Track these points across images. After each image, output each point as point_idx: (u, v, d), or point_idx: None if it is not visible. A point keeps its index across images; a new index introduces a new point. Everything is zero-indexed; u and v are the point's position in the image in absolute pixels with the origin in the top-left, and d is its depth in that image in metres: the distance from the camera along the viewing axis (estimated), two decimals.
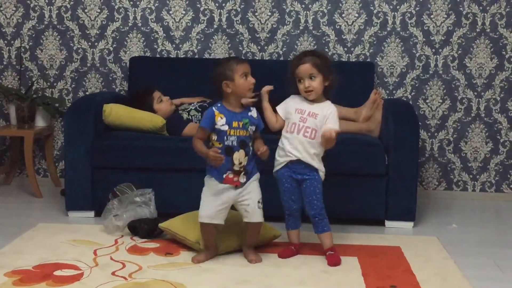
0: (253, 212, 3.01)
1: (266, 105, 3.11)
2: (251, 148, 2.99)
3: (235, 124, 2.94)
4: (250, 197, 3.00)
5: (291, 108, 3.09)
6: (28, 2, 4.55)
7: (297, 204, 3.12)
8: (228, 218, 3.09)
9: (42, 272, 2.84)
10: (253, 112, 3.02)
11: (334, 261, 3.03)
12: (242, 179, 2.98)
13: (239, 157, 2.94)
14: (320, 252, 3.13)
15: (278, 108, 3.12)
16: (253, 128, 2.99)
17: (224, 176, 2.95)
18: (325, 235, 3.10)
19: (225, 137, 2.94)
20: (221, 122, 2.93)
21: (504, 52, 4.44)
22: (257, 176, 3.04)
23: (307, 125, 3.03)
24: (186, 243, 3.19)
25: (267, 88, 3.10)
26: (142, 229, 3.35)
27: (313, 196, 3.06)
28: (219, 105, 2.98)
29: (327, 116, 3.04)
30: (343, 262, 3.05)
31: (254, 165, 3.02)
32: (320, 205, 3.07)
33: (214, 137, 2.96)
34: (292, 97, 3.13)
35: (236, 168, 2.95)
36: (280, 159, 3.10)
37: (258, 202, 3.02)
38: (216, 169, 2.95)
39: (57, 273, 2.83)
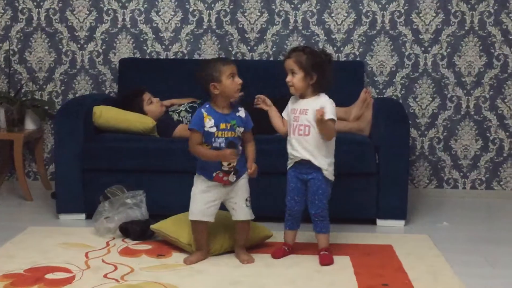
0: (240, 210, 3.02)
1: (272, 113, 3.11)
2: (240, 148, 3.00)
3: (222, 126, 2.93)
4: (237, 195, 3.01)
5: (289, 110, 3.10)
6: (16, 4, 4.53)
7: (299, 206, 3.11)
8: (220, 220, 3.09)
9: (33, 275, 2.83)
10: (241, 113, 3.00)
11: (325, 261, 3.04)
12: (232, 178, 2.98)
13: None
14: (313, 251, 3.13)
15: (283, 113, 3.13)
16: (241, 129, 2.98)
17: (214, 175, 2.96)
18: (322, 235, 3.10)
19: (213, 139, 2.93)
20: (209, 124, 2.93)
21: (492, 50, 4.46)
22: (246, 174, 3.04)
23: (299, 123, 3.02)
24: (178, 245, 3.18)
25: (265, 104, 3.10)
26: (133, 231, 3.34)
27: (314, 196, 3.05)
28: (207, 106, 2.97)
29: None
30: (335, 261, 3.06)
31: (244, 163, 3.03)
32: (321, 206, 3.05)
33: (202, 139, 2.96)
34: (291, 99, 3.13)
35: (225, 168, 2.95)
36: (289, 160, 3.11)
37: (246, 200, 3.03)
38: (206, 168, 2.96)
39: (49, 276, 2.82)
